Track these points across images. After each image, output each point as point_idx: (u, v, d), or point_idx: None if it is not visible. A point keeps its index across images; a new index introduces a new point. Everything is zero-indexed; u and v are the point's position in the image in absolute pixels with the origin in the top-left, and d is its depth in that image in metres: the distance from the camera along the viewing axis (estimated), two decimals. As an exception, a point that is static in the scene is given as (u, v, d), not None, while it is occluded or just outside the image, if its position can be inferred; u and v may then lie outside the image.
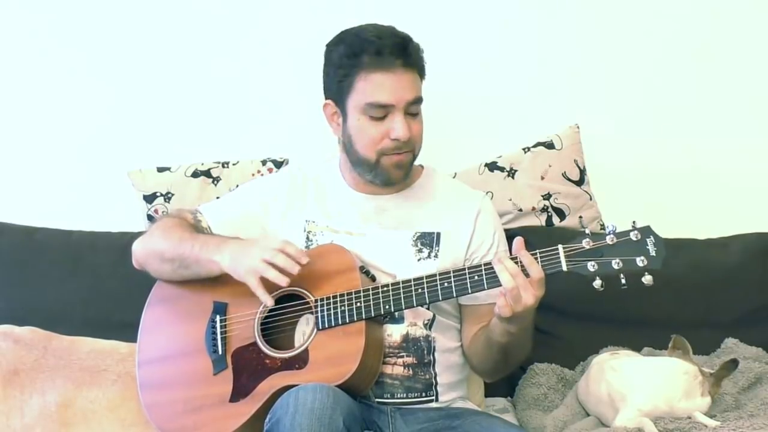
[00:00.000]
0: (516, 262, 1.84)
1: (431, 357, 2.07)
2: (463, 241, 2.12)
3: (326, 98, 2.11)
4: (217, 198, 2.44)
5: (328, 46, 2.10)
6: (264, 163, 2.62)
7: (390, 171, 2.07)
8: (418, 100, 2.05)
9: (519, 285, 1.82)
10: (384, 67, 2.00)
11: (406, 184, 2.17)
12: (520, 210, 2.59)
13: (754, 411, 2.12)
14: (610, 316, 2.45)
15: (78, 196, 2.79)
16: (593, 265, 1.82)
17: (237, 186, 2.47)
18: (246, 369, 2.00)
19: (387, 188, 2.14)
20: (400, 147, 2.04)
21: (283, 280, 1.92)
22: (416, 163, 2.20)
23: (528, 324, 1.93)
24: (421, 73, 2.07)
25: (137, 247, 2.16)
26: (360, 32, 2.04)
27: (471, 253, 2.12)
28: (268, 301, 1.95)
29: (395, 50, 2.00)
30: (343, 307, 1.96)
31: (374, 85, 2.00)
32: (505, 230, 2.30)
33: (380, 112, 2.02)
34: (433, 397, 2.07)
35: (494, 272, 1.87)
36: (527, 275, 1.83)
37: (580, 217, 2.61)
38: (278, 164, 2.61)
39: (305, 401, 1.77)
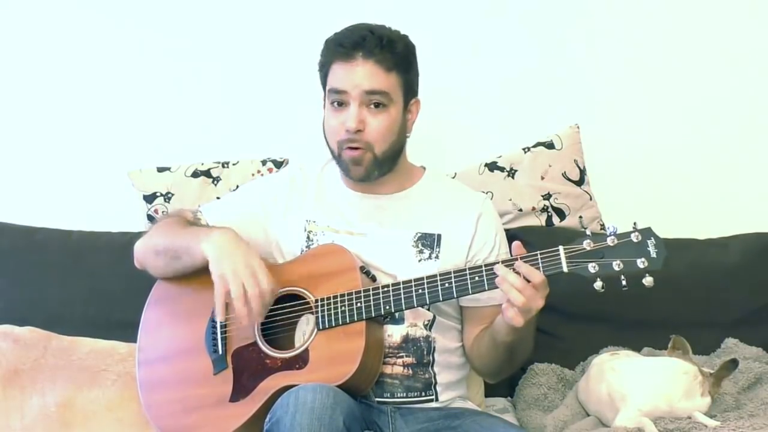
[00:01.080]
0: (517, 273, 1.83)
1: (431, 357, 2.07)
2: (464, 243, 2.12)
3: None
4: (218, 198, 2.44)
5: None
6: (264, 163, 2.62)
7: (349, 166, 2.08)
8: (378, 92, 2.04)
9: (528, 297, 1.82)
10: (343, 56, 2.04)
11: (408, 184, 2.17)
12: (520, 210, 2.59)
13: (754, 411, 2.12)
14: (610, 316, 2.45)
15: (78, 196, 2.79)
16: (594, 267, 1.82)
17: (237, 186, 2.47)
18: (246, 369, 2.00)
19: (385, 187, 2.14)
20: (353, 140, 2.04)
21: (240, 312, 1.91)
22: (417, 163, 2.20)
23: (533, 320, 1.91)
24: (388, 67, 2.04)
25: (138, 246, 2.16)
26: (344, 29, 2.09)
27: (472, 256, 2.12)
28: (220, 317, 1.95)
29: (356, 41, 2.03)
30: (343, 308, 1.96)
31: (334, 74, 2.05)
32: (505, 230, 2.30)
33: (338, 98, 2.04)
34: (433, 397, 2.07)
35: (494, 273, 1.87)
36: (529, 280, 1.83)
37: (580, 217, 2.61)
38: (278, 164, 2.61)
39: (305, 401, 1.77)
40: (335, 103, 2.06)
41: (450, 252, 2.10)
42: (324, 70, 2.09)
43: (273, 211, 2.16)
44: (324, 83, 2.10)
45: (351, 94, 2.03)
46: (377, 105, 2.04)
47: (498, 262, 1.89)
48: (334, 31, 2.10)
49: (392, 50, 2.05)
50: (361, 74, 2.03)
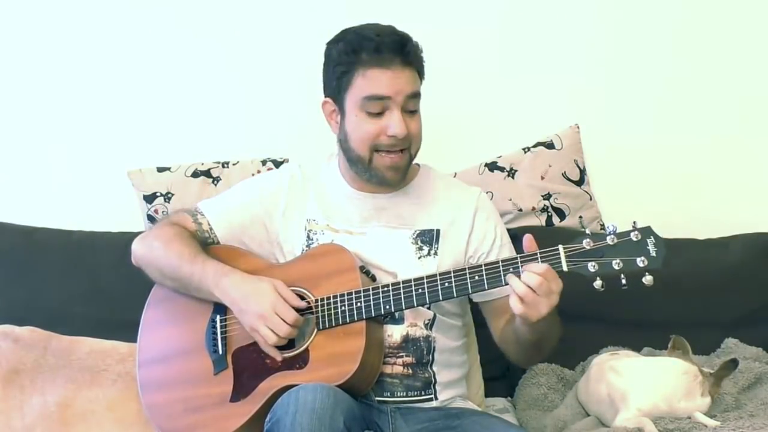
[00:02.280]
0: (520, 277, 1.83)
1: (430, 356, 2.07)
2: (462, 237, 2.13)
3: (325, 96, 2.11)
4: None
5: (328, 44, 2.10)
6: (264, 163, 2.62)
7: (384, 172, 2.07)
8: (416, 95, 2.05)
9: (529, 302, 1.81)
10: (382, 64, 2.00)
11: (404, 182, 2.17)
12: (520, 210, 2.59)
13: (754, 411, 2.12)
14: (610, 316, 2.46)
15: (78, 196, 2.79)
16: (594, 266, 1.82)
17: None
18: (246, 369, 2.01)
19: (385, 187, 2.14)
20: (395, 144, 2.04)
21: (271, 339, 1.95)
22: (415, 161, 2.20)
23: (552, 314, 1.88)
24: (419, 71, 2.07)
25: (137, 247, 2.16)
26: (360, 30, 2.05)
27: (473, 251, 2.13)
28: (278, 357, 1.98)
29: (394, 48, 2.00)
30: (343, 307, 1.96)
31: (372, 80, 2.01)
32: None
33: (377, 106, 2.01)
34: (432, 396, 2.07)
35: (494, 272, 1.88)
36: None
37: (580, 217, 2.61)
38: (278, 164, 2.61)
39: (306, 401, 1.77)
40: (370, 110, 2.02)
41: (449, 247, 2.10)
42: (348, 75, 2.02)
43: (273, 210, 2.16)
44: (344, 87, 2.04)
45: (395, 100, 2.01)
46: (413, 110, 2.05)
47: (498, 262, 1.89)
48: (335, 31, 2.09)
49: (419, 54, 2.06)
50: (403, 81, 2.01)
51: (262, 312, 1.94)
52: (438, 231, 2.11)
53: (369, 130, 2.03)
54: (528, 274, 1.81)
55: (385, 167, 2.06)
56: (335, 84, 2.06)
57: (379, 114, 2.02)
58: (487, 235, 2.14)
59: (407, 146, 2.06)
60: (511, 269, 1.87)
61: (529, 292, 1.81)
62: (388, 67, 2.00)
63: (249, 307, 1.96)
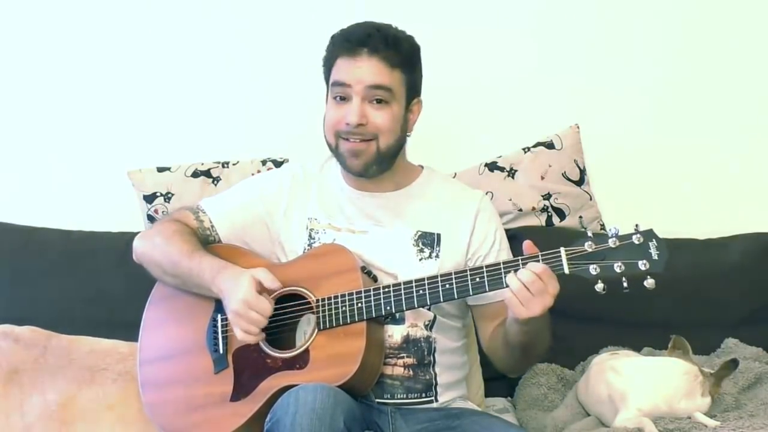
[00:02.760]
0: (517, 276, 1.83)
1: (431, 357, 2.07)
2: (463, 241, 2.12)
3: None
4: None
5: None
6: (264, 163, 2.62)
7: (347, 159, 2.08)
8: (381, 87, 2.04)
9: (522, 299, 1.82)
10: (349, 52, 2.04)
11: (406, 183, 2.17)
12: (520, 210, 2.59)
13: (754, 411, 2.12)
14: (610, 316, 2.46)
15: (78, 196, 2.79)
16: (595, 269, 1.82)
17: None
18: (247, 368, 2.00)
19: (385, 186, 2.14)
20: (353, 132, 2.04)
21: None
22: (416, 162, 2.20)
23: (544, 319, 1.90)
24: (392, 64, 2.05)
25: (138, 244, 2.15)
26: (351, 26, 2.09)
27: (472, 253, 2.12)
28: (256, 338, 1.97)
29: (361, 38, 2.04)
30: (344, 308, 1.96)
31: (339, 68, 2.06)
32: (505, 230, 2.30)
33: (340, 92, 2.05)
34: (433, 397, 2.07)
35: (495, 274, 1.88)
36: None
37: (580, 217, 2.61)
38: (278, 164, 2.61)
39: (306, 401, 1.77)
40: (337, 97, 2.06)
41: (450, 251, 2.10)
42: (328, 64, 2.10)
43: (275, 209, 2.16)
44: (327, 78, 2.11)
45: (354, 89, 2.03)
46: (379, 101, 2.05)
47: (500, 263, 1.89)
48: (334, 30, 2.10)
49: (397, 48, 2.05)
50: (365, 69, 2.03)
51: (236, 309, 1.94)
52: (439, 235, 2.11)
53: (333, 116, 2.07)
54: (524, 271, 1.82)
55: (347, 152, 2.07)
56: (325, 76, 2.12)
57: (344, 101, 2.05)
58: (487, 237, 2.14)
59: (372, 137, 2.05)
60: (512, 271, 1.87)
61: (522, 288, 1.81)
62: (353, 55, 2.03)
63: (229, 304, 1.96)
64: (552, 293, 1.83)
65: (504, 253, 2.14)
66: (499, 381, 2.47)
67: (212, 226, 2.15)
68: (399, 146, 2.11)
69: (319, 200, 2.16)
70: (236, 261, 2.07)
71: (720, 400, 2.17)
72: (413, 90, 2.10)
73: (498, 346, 2.05)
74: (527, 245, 1.87)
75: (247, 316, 1.93)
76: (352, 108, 2.03)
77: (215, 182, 2.60)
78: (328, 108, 2.09)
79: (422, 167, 2.23)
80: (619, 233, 1.83)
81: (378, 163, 2.09)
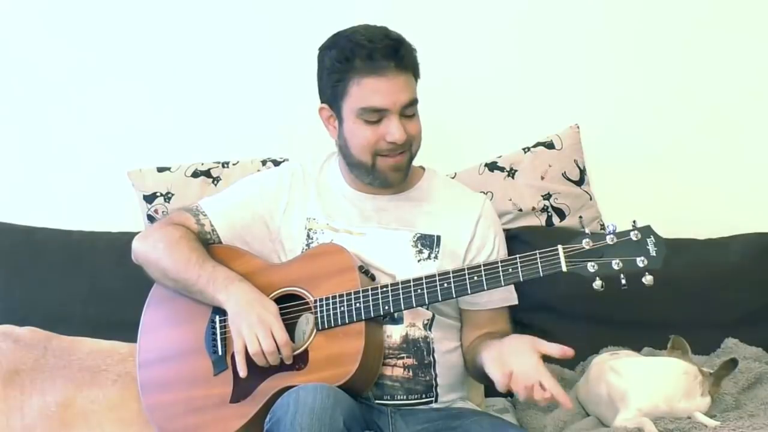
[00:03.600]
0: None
1: (431, 358, 2.07)
2: (463, 244, 2.12)
3: (321, 102, 2.10)
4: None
5: (320, 49, 2.09)
6: (264, 163, 2.62)
7: (387, 174, 2.07)
8: (413, 102, 2.04)
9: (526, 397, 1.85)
10: (376, 71, 1.98)
11: (407, 185, 2.17)
12: (520, 210, 2.59)
13: (754, 411, 2.11)
14: (610, 316, 2.45)
15: (78, 196, 2.79)
16: (593, 266, 1.82)
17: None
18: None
19: (387, 189, 2.14)
20: (396, 149, 2.04)
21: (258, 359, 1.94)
22: (417, 163, 2.20)
23: None
24: (415, 73, 2.05)
25: (138, 246, 2.15)
26: (351, 36, 2.03)
27: (470, 259, 2.12)
28: (242, 372, 1.95)
29: (387, 53, 1.98)
30: (342, 308, 1.96)
31: (368, 90, 1.99)
32: (505, 230, 2.31)
33: (375, 116, 2.01)
34: (433, 399, 2.07)
35: (493, 272, 1.88)
36: None
37: (580, 217, 2.59)
38: (278, 164, 2.60)
39: (305, 401, 1.77)
40: (367, 119, 2.01)
41: (449, 253, 2.10)
42: (343, 83, 2.01)
43: (275, 208, 2.16)
44: (339, 95, 2.03)
45: (392, 110, 2.00)
46: (411, 114, 2.04)
47: (497, 262, 1.89)
48: (334, 31, 2.09)
49: (414, 56, 2.05)
50: (399, 88, 1.99)
51: (262, 320, 1.93)
52: (438, 237, 2.11)
53: (368, 137, 2.02)
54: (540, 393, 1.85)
55: (388, 169, 2.06)
56: (330, 92, 2.05)
57: (377, 121, 2.01)
58: (486, 245, 2.14)
59: (407, 148, 2.06)
60: (510, 269, 1.87)
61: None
62: (383, 74, 1.98)
63: (250, 316, 1.94)
64: None
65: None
66: (499, 381, 2.47)
67: (213, 229, 2.15)
68: None
69: (318, 200, 2.16)
70: (235, 261, 2.08)
71: (720, 400, 2.16)
72: None
73: (472, 360, 2.05)
74: (561, 351, 1.88)
75: (266, 330, 1.92)
76: (394, 126, 2.00)
77: (215, 182, 2.60)
78: (358, 129, 2.02)
79: (423, 168, 2.23)
80: (617, 230, 1.83)
81: (408, 171, 2.10)
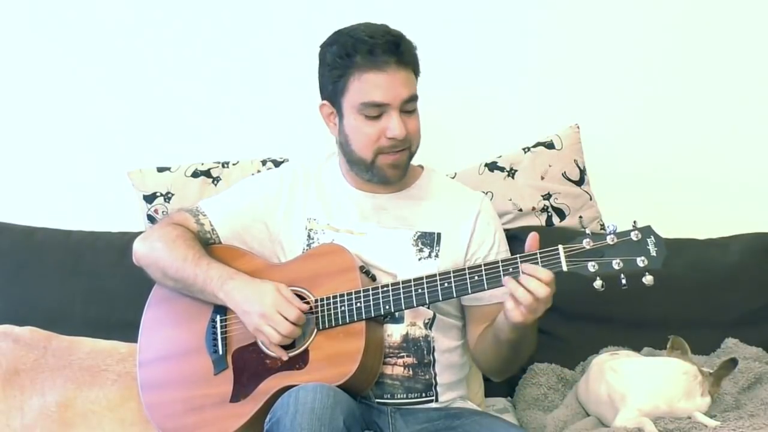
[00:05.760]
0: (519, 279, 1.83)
1: (431, 357, 2.07)
2: (463, 241, 2.13)
3: (322, 99, 2.11)
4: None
5: (321, 47, 2.10)
6: (264, 163, 2.62)
7: (386, 170, 2.07)
8: (413, 98, 2.05)
9: (528, 307, 1.82)
10: (377, 66, 1.99)
11: (407, 183, 2.17)
12: (520, 210, 2.59)
13: (754, 411, 2.12)
14: (610, 316, 2.45)
15: (78, 196, 2.79)
16: (593, 266, 1.82)
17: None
18: (246, 369, 2.01)
19: (387, 187, 2.14)
20: (396, 145, 2.04)
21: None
22: (416, 163, 2.20)
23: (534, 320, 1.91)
24: (415, 70, 2.06)
25: (138, 247, 2.15)
26: (352, 32, 2.04)
27: (471, 254, 2.12)
28: (284, 356, 1.97)
29: (388, 49, 1.99)
30: (343, 307, 1.96)
31: (368, 85, 2.00)
32: (505, 230, 2.30)
33: (375, 111, 2.01)
34: (433, 398, 2.07)
35: (494, 272, 1.88)
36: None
37: (580, 217, 2.61)
38: (278, 164, 2.60)
39: (305, 401, 1.77)
40: (368, 114, 2.02)
41: (449, 251, 2.10)
42: (344, 79, 2.02)
43: (274, 209, 2.16)
44: (340, 91, 2.04)
45: (392, 105, 2.01)
46: (411, 110, 2.05)
47: (498, 262, 1.89)
48: (333, 30, 2.09)
49: (414, 52, 2.06)
50: (399, 83, 2.00)
51: (264, 311, 1.94)
52: (439, 234, 2.11)
53: (369, 133, 2.03)
54: (535, 283, 1.81)
55: (388, 165, 2.06)
56: (331, 88, 2.06)
57: (378, 117, 2.02)
58: (486, 240, 2.14)
59: (408, 145, 2.07)
60: (510, 269, 1.87)
61: (532, 300, 1.81)
62: (383, 69, 1.99)
63: (252, 308, 1.96)
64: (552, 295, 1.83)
65: (502, 255, 2.14)
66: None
67: (213, 229, 2.15)
68: None
69: (318, 200, 2.16)
70: (236, 261, 2.08)
71: (720, 400, 2.16)
72: None
73: (487, 346, 2.05)
74: (532, 237, 1.87)
75: (275, 319, 1.93)
76: (394, 122, 2.01)
77: (215, 182, 2.60)
78: (359, 125, 2.04)
79: (422, 167, 2.23)
80: (617, 230, 1.83)
81: (407, 168, 2.11)
